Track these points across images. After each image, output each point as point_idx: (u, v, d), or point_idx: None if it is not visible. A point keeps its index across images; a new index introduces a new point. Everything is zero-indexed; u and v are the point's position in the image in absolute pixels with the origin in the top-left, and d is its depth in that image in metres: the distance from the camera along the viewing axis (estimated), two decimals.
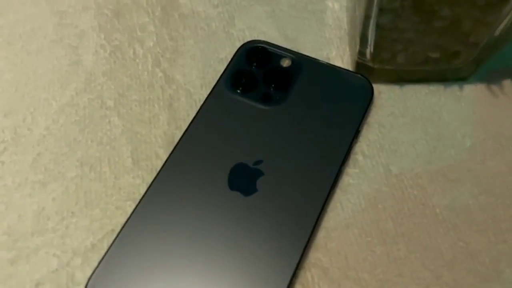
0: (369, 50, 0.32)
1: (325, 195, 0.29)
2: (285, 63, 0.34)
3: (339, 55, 0.35)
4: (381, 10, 0.28)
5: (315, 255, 0.28)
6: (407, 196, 0.30)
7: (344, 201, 0.30)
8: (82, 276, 0.28)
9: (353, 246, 0.28)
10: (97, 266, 0.27)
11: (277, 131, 0.31)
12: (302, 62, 0.34)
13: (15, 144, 0.32)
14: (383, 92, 0.34)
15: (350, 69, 0.35)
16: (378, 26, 0.29)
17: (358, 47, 0.32)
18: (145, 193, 0.29)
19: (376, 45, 0.31)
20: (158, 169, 0.30)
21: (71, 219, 0.30)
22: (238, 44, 0.36)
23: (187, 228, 0.28)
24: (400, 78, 0.34)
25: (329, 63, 0.34)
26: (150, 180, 0.30)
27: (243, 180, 0.30)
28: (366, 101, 0.32)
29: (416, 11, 0.27)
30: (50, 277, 0.28)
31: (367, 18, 0.29)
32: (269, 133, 0.31)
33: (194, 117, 0.32)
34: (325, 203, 0.29)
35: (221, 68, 0.35)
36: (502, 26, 0.29)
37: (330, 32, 0.37)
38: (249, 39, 0.36)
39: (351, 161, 0.31)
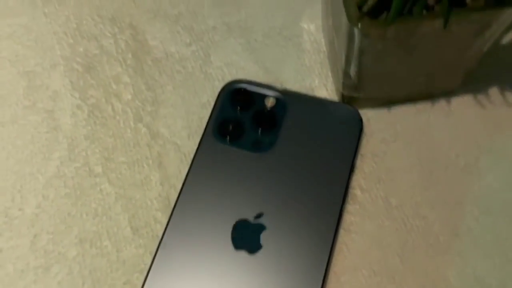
0: (353, 82, 0.31)
1: (331, 240, 0.29)
2: (270, 102, 0.33)
3: (322, 83, 0.35)
4: (361, 51, 0.27)
5: None
6: (410, 228, 0.30)
7: (349, 242, 0.30)
8: None
9: None
10: None
11: (272, 177, 0.31)
12: (286, 99, 0.33)
13: (9, 228, 0.32)
14: (371, 118, 0.33)
15: (336, 97, 0.34)
16: (360, 64, 0.28)
17: (341, 80, 0.31)
18: (151, 263, 0.29)
19: (360, 79, 0.30)
20: (160, 235, 0.30)
21: None
22: (218, 85, 0.35)
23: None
24: (387, 101, 0.33)
25: (314, 96, 0.33)
26: (153, 248, 0.30)
27: (246, 237, 0.29)
28: (356, 132, 0.32)
29: (399, 48, 0.27)
30: None
31: (348, 58, 0.28)
32: (264, 181, 0.31)
33: (187, 174, 0.32)
34: (332, 248, 0.29)
35: (205, 113, 0.34)
36: (486, 46, 0.28)
37: (309, 59, 0.36)
38: (228, 77, 0.35)
39: (349, 197, 0.31)
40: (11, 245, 0.31)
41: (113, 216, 0.32)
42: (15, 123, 0.35)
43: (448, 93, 0.33)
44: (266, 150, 0.32)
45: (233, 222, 0.30)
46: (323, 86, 0.35)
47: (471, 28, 0.25)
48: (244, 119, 0.33)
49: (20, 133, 0.34)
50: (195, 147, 0.33)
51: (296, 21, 0.37)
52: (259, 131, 0.32)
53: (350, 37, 0.26)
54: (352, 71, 0.29)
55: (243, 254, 0.29)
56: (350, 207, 0.31)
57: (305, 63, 0.36)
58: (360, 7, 0.24)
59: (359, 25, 0.24)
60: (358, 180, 0.32)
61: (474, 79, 0.33)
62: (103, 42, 0.37)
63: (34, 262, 0.31)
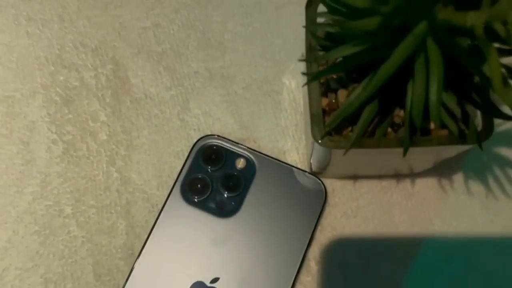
0: (318, 166, 0.32)
1: None
2: (240, 163, 0.34)
3: (295, 146, 0.35)
4: (324, 155, 0.28)
5: None
6: None
7: None
8: None
9: None
10: None
11: (233, 243, 0.32)
12: (257, 162, 0.34)
13: None
14: (336, 190, 0.34)
15: (306, 161, 0.35)
16: (324, 160, 0.29)
17: (309, 158, 0.32)
18: None
19: (324, 167, 0.31)
20: (121, 284, 0.32)
21: None
22: (193, 134, 0.36)
23: None
24: (354, 174, 0.34)
25: (283, 162, 0.34)
26: None
27: None
28: (319, 205, 0.33)
29: (361, 158, 0.27)
30: None
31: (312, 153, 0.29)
32: (225, 246, 0.32)
33: (151, 229, 0.33)
34: None
35: (177, 163, 0.35)
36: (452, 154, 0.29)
37: (286, 119, 0.36)
38: (204, 127, 0.36)
39: (304, 268, 0.33)
40: None
41: (78, 260, 0.33)
42: None
43: (415, 174, 0.34)
44: (230, 215, 0.33)
45: (190, 284, 0.32)
46: (295, 150, 0.35)
47: (432, 150, 0.25)
48: (213, 179, 0.34)
49: None
50: (163, 199, 0.34)
51: (279, 75, 0.37)
52: (226, 194, 0.33)
53: (314, 145, 0.26)
54: (316, 163, 0.30)
55: None
56: (304, 278, 0.33)
57: (281, 123, 0.36)
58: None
59: (320, 141, 0.24)
60: (314, 252, 0.33)
61: (446, 163, 0.34)
62: (84, 74, 0.37)
63: None
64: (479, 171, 0.34)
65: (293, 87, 0.37)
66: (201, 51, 0.38)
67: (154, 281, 0.32)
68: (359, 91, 0.22)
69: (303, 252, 0.32)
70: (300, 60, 0.24)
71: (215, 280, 0.32)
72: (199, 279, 0.32)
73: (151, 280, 0.32)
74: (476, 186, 0.34)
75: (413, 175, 0.34)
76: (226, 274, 0.32)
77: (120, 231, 0.34)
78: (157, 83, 0.37)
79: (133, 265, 0.32)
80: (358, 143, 0.24)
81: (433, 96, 0.19)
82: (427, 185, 0.34)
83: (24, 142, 0.36)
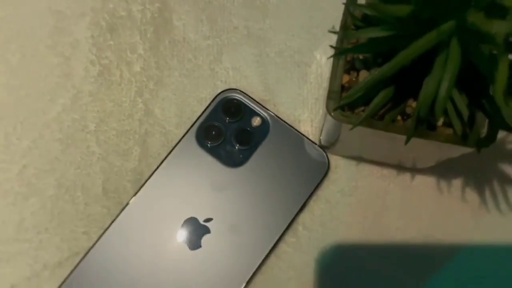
0: (327, 142, 0.33)
1: (260, 260, 0.34)
2: (256, 121, 0.36)
3: (310, 118, 0.37)
4: (336, 128, 0.29)
5: None
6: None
7: (276, 269, 0.34)
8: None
9: None
10: (60, 286, 0.33)
11: (231, 192, 0.35)
12: (271, 123, 0.36)
13: (5, 152, 0.36)
14: (339, 167, 0.36)
15: (317, 134, 0.36)
16: (333, 135, 0.31)
17: (320, 134, 0.34)
18: (109, 226, 0.34)
19: (332, 143, 0.33)
20: (124, 203, 0.35)
21: (45, 234, 0.35)
22: (219, 85, 0.38)
23: (135, 268, 0.33)
24: (359, 156, 0.36)
25: (296, 130, 0.36)
26: (115, 212, 0.35)
27: (191, 234, 0.34)
28: (320, 176, 0.35)
29: (367, 138, 0.29)
30: (23, 283, 0.34)
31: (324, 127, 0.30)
32: (225, 192, 0.35)
33: (162, 161, 0.35)
34: (259, 267, 0.34)
35: (198, 108, 0.37)
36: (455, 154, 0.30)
37: (308, 91, 0.38)
38: (231, 81, 0.38)
39: (291, 230, 0.35)
40: (2, 166, 0.36)
41: (91, 173, 0.36)
42: (34, 58, 0.38)
43: (417, 169, 0.36)
44: (235, 166, 0.35)
45: (185, 218, 0.34)
46: (310, 122, 0.37)
47: (433, 146, 0.27)
48: (228, 130, 0.36)
49: (36, 70, 0.38)
50: (178, 137, 0.36)
51: (312, 48, 0.38)
52: (237, 146, 0.35)
53: (327, 117, 0.28)
54: (325, 136, 0.32)
55: (184, 246, 0.34)
56: (289, 239, 0.35)
57: (303, 93, 0.38)
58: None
59: (332, 114, 0.26)
60: (304, 218, 0.35)
61: (449, 166, 0.35)
62: (132, 7, 0.39)
63: (18, 188, 0.36)
64: (479, 181, 0.36)
65: (322, 63, 0.38)
66: (244, 9, 0.39)
67: (153, 208, 0.34)
68: (376, 72, 0.23)
69: (294, 215, 0.35)
70: (330, 31, 0.26)
71: (208, 220, 0.34)
72: (194, 216, 0.34)
73: (152, 206, 0.34)
74: (471, 194, 0.35)
75: (414, 170, 0.36)
76: (219, 217, 0.34)
77: (134, 156, 0.36)
78: (197, 30, 0.39)
79: (138, 189, 0.35)
80: (366, 122, 0.26)
81: (442, 91, 0.21)
82: (425, 182, 0.36)
83: (65, 57, 0.38)
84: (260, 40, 0.39)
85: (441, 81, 0.22)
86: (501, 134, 0.26)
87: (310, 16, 0.39)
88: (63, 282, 0.33)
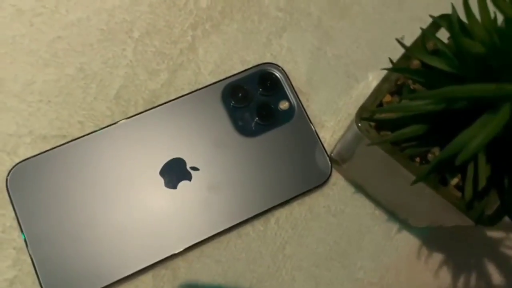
0: (340, 156, 0.33)
1: (222, 229, 0.33)
2: (284, 105, 0.36)
3: (333, 128, 0.36)
4: (355, 141, 0.29)
5: (178, 263, 0.33)
6: (279, 275, 0.33)
7: (231, 244, 0.34)
8: (22, 153, 0.34)
9: (204, 276, 0.33)
10: (29, 158, 0.33)
11: (228, 156, 0.34)
12: (296, 114, 0.35)
13: (49, 16, 0.37)
14: (337, 185, 0.35)
15: (332, 145, 0.36)
16: (348, 150, 0.30)
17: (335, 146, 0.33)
18: (104, 127, 0.34)
19: (343, 160, 0.32)
20: (128, 115, 0.35)
21: (45, 105, 0.35)
22: (267, 56, 0.37)
23: (107, 180, 0.33)
24: (359, 187, 0.35)
25: (315, 132, 0.35)
26: (116, 119, 0.35)
27: (172, 173, 0.34)
28: (315, 183, 0.35)
29: (379, 165, 0.28)
30: (2, 137, 0.34)
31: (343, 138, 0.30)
32: (223, 153, 0.34)
33: (181, 96, 0.35)
34: (218, 234, 0.33)
35: (238, 67, 0.37)
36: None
37: (344, 104, 0.37)
38: (279, 58, 0.37)
39: (264, 219, 0.34)
40: (40, 28, 0.36)
41: (114, 73, 0.36)
42: None
43: (407, 225, 0.35)
44: (245, 135, 0.35)
45: (175, 156, 0.34)
46: (331, 131, 0.36)
47: (433, 198, 0.26)
48: (255, 100, 0.35)
49: None
50: (206, 84, 0.36)
51: (368, 67, 0.38)
52: (256, 118, 0.35)
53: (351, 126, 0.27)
54: (339, 149, 0.31)
55: (161, 182, 0.33)
56: (257, 225, 0.34)
57: (339, 103, 0.37)
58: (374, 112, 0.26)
59: (360, 123, 0.26)
60: (281, 214, 0.35)
61: (437, 234, 0.34)
62: None
63: (43, 53, 0.36)
64: (458, 265, 0.34)
65: (371, 85, 0.37)
66: (327, 2, 0.39)
67: (151, 134, 0.34)
68: (417, 102, 0.23)
69: (272, 206, 0.34)
70: (397, 39, 0.25)
71: (195, 168, 0.34)
72: (184, 158, 0.34)
73: (149, 132, 0.34)
74: (446, 273, 0.34)
75: (404, 225, 0.35)
76: (205, 172, 0.34)
77: (159, 79, 0.36)
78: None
79: (146, 110, 0.35)
80: (386, 146, 0.25)
81: (471, 144, 0.20)
82: (407, 240, 0.35)
83: None
84: (326, 35, 0.38)
85: (475, 136, 0.21)
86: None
87: (382, 37, 0.38)
88: (37, 155, 0.33)
